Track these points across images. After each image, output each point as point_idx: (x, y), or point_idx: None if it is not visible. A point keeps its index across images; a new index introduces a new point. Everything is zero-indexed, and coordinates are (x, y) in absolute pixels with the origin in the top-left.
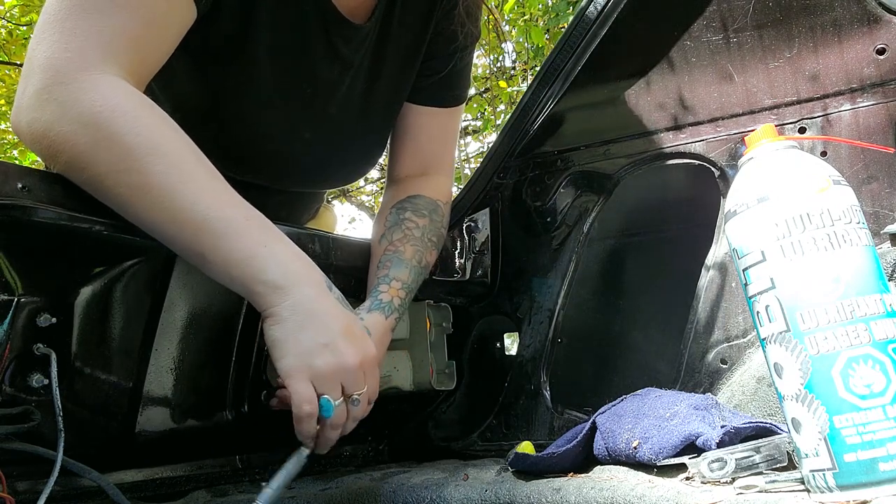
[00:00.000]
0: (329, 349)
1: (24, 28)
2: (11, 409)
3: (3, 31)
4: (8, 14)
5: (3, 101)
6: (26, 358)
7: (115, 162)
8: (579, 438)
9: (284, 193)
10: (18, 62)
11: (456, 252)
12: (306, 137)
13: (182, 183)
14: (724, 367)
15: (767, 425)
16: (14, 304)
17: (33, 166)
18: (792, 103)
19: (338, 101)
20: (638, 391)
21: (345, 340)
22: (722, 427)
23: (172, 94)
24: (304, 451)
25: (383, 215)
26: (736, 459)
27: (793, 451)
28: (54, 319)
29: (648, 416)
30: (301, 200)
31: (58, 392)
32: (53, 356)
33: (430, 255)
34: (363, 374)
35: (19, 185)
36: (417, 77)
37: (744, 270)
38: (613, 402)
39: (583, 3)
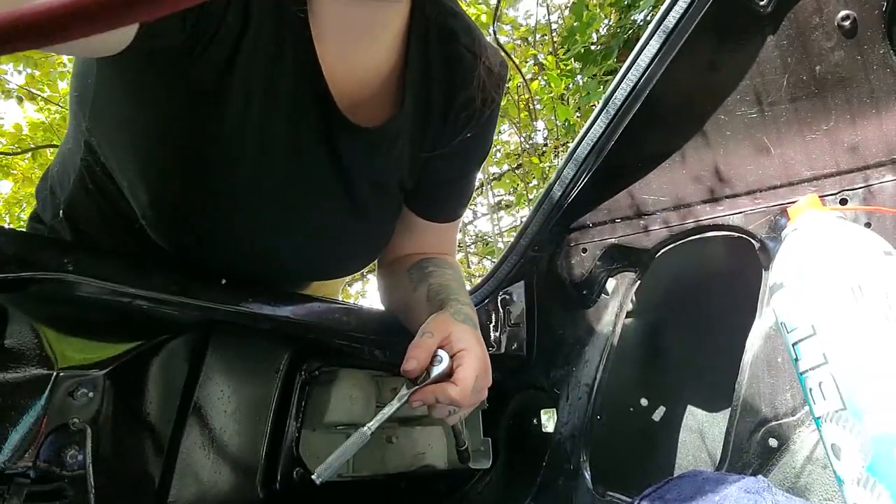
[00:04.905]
0: None
1: None
2: (45, 486)
3: (56, 116)
4: (62, 100)
5: None
6: (62, 433)
7: None
8: None
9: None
10: None
11: (491, 325)
12: (296, 240)
13: None
14: (774, 446)
15: None
16: (53, 378)
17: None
18: (832, 175)
19: (333, 206)
20: (684, 473)
21: None
22: None
23: (154, 196)
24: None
25: (400, 277)
26: None
27: None
28: (91, 394)
29: (696, 499)
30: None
31: (91, 468)
32: (89, 431)
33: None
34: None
35: (64, 261)
36: (421, 188)
37: (793, 345)
38: (658, 485)
39: (614, 81)
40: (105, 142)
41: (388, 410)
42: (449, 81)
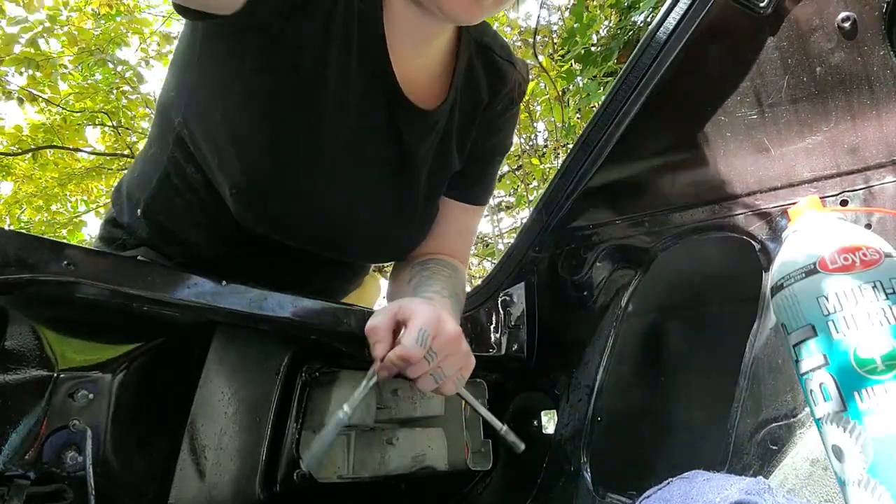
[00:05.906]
0: None
1: (78, 115)
2: (45, 487)
3: (58, 117)
4: (63, 101)
5: (55, 183)
6: (62, 434)
7: None
8: None
9: (332, 264)
10: (71, 147)
11: (491, 326)
12: (360, 216)
13: None
14: (775, 448)
15: None
16: (53, 379)
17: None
18: (832, 176)
19: (394, 184)
20: (685, 474)
21: None
22: None
23: (246, 163)
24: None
25: (405, 272)
26: None
27: None
28: (91, 396)
29: (697, 500)
30: (349, 271)
31: (91, 470)
32: (89, 433)
33: (462, 293)
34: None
35: (64, 262)
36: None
37: (793, 346)
38: (659, 486)
39: (615, 82)
40: (199, 125)
41: (361, 391)
42: (490, 83)
